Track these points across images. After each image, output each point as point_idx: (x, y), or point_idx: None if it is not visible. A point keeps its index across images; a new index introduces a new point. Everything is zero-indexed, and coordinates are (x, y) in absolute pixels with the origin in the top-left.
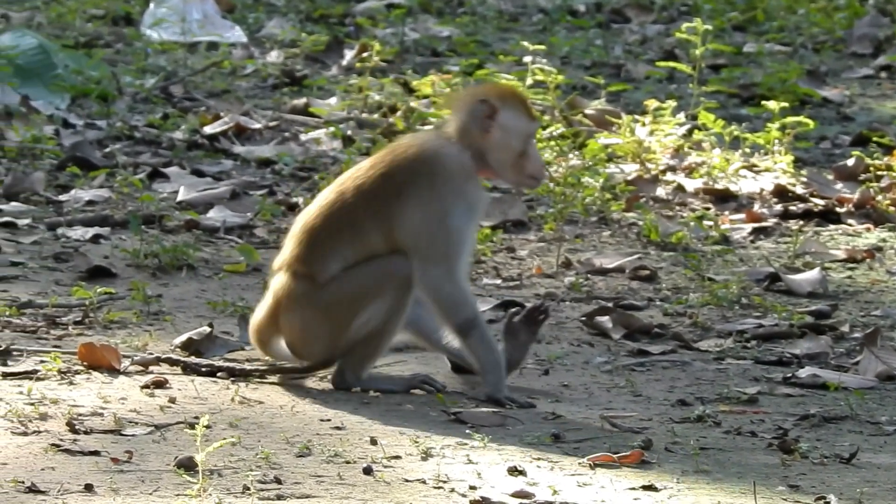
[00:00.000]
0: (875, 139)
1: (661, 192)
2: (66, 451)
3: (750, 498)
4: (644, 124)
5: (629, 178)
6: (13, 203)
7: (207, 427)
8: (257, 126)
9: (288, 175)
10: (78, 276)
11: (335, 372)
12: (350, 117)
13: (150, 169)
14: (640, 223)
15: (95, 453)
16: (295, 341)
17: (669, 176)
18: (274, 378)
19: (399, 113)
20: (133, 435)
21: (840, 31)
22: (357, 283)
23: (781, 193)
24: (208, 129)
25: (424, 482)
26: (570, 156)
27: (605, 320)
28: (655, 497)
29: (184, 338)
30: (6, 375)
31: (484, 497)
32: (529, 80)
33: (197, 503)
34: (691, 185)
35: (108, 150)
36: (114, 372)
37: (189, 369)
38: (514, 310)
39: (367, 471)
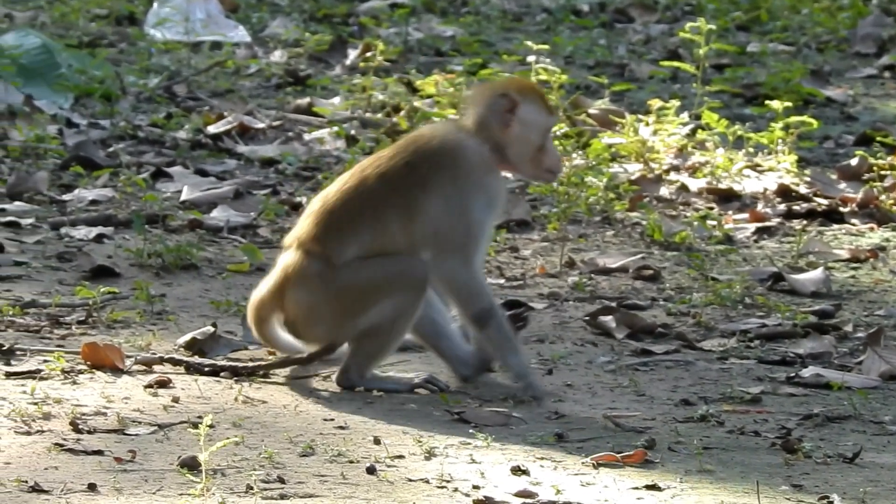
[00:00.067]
0: (878, 139)
1: (664, 191)
2: (70, 450)
3: (753, 497)
4: (647, 124)
5: (633, 177)
6: (17, 202)
7: (211, 426)
8: (261, 126)
9: (291, 175)
10: (81, 276)
11: (340, 370)
12: (353, 117)
13: (154, 168)
14: (644, 223)
15: (99, 453)
16: (298, 320)
17: (673, 175)
18: (278, 378)
19: (402, 113)
20: (136, 434)
21: (844, 30)
22: (371, 275)
23: (785, 193)
24: (212, 129)
25: (428, 482)
26: (574, 155)
27: (608, 320)
28: (659, 496)
29: (187, 337)
30: (10, 375)
31: (487, 496)
32: (533, 80)
33: (200, 503)
34: (695, 184)
35: (111, 149)
36: (117, 371)
37: (192, 369)
38: None
39: (371, 470)
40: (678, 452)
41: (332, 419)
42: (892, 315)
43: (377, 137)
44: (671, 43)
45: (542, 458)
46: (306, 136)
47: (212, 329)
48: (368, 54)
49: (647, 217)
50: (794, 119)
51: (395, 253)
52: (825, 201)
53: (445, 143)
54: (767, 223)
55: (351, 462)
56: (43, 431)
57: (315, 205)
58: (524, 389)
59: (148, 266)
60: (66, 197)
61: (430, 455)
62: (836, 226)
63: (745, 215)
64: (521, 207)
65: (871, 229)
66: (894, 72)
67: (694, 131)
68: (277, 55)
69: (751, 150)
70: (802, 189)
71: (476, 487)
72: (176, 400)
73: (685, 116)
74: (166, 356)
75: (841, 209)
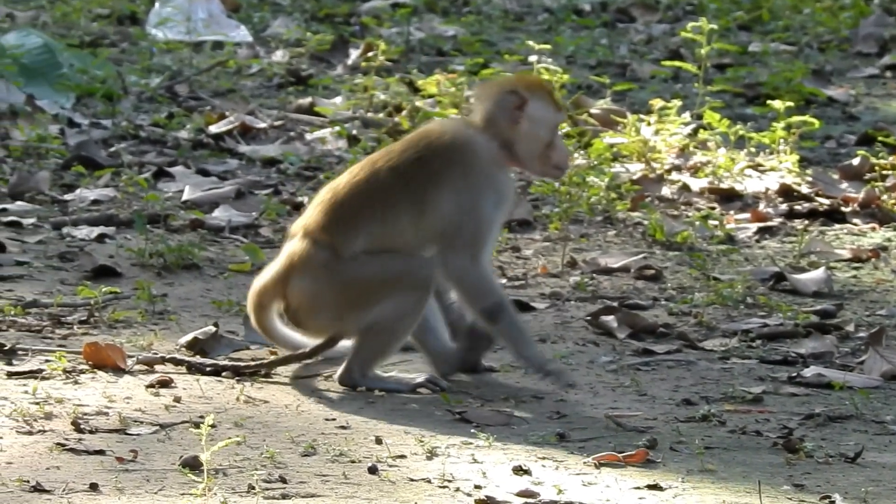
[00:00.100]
0: (880, 138)
1: (666, 191)
2: (72, 450)
3: (755, 497)
4: (649, 124)
5: (634, 177)
6: (18, 202)
7: (212, 426)
8: (262, 125)
9: (293, 174)
10: (83, 276)
11: (342, 369)
12: (355, 117)
13: (156, 168)
14: (646, 222)
15: (100, 452)
16: (301, 308)
17: (675, 175)
18: (279, 378)
19: (404, 112)
20: (138, 434)
21: (845, 30)
22: (377, 271)
23: (787, 193)
24: (213, 129)
25: (429, 481)
26: (576, 155)
27: (610, 320)
28: (660, 496)
29: (189, 337)
30: (11, 375)
31: (489, 496)
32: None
33: (202, 502)
34: (696, 184)
35: (113, 149)
36: (119, 371)
37: (194, 369)
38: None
39: (373, 470)
40: (680, 452)
41: (334, 419)
42: (893, 315)
43: (379, 137)
44: (673, 43)
45: (544, 458)
46: (308, 136)
47: (213, 329)
48: (370, 54)
49: (648, 217)
50: (795, 119)
51: (403, 247)
52: (827, 201)
53: (456, 139)
54: (769, 223)
55: (353, 462)
56: (44, 431)
57: (325, 195)
58: (549, 380)
59: (149, 266)
60: (67, 197)
61: (431, 455)
62: (837, 225)
63: (747, 215)
64: (523, 207)
65: (873, 229)
66: None
67: (696, 131)
68: (279, 55)
69: (752, 149)
70: (804, 189)
71: (478, 487)
72: (177, 400)
73: (687, 116)
74: (168, 356)
75: (843, 209)
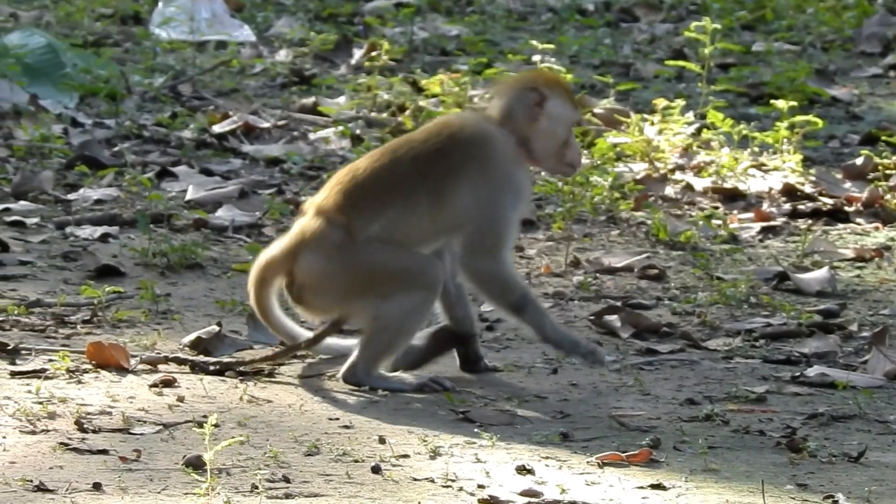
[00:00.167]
0: (884, 138)
1: (669, 191)
2: (75, 449)
3: (758, 497)
4: (653, 123)
5: (638, 177)
6: (22, 202)
7: (216, 426)
8: (266, 125)
9: (297, 174)
10: (86, 275)
11: (346, 367)
12: (359, 116)
13: (159, 168)
14: (649, 222)
15: (104, 452)
16: (307, 284)
17: (678, 175)
18: (283, 377)
19: (408, 112)
20: (141, 434)
21: (849, 29)
22: (388, 261)
23: (790, 192)
24: (217, 128)
25: (433, 481)
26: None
27: (613, 319)
28: (664, 496)
29: (192, 337)
30: (15, 374)
31: (492, 496)
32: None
33: (205, 502)
34: (700, 184)
35: (116, 148)
36: (122, 371)
37: (197, 368)
38: (446, 326)
39: (376, 469)
40: (683, 452)
41: (337, 418)
42: None
43: (382, 137)
44: (676, 42)
45: (548, 458)
46: (311, 136)
47: (217, 328)
48: (373, 54)
49: (652, 216)
50: (799, 118)
51: (418, 236)
52: (830, 201)
53: (477, 134)
54: (772, 222)
55: (356, 461)
56: (48, 431)
57: (343, 176)
58: (582, 359)
59: (153, 265)
60: (71, 196)
61: (435, 454)
62: (841, 225)
63: (751, 215)
64: (527, 206)
65: (877, 228)
66: None
67: (699, 131)
68: (282, 54)
69: (756, 149)
70: (808, 188)
71: (481, 487)
72: (181, 399)
73: (690, 116)
74: (171, 355)
75: (846, 208)
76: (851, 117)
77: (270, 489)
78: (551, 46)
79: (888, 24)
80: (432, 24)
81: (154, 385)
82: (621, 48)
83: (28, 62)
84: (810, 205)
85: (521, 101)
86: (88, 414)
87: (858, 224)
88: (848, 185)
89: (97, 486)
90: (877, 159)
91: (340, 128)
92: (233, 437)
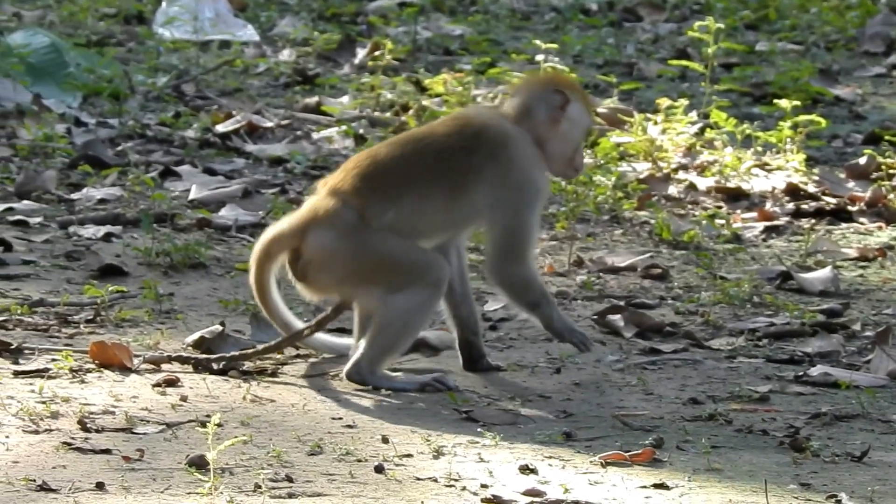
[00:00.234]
0: (887, 138)
1: (673, 190)
2: (78, 449)
3: (761, 496)
4: (656, 123)
5: (641, 176)
6: (25, 201)
7: (219, 425)
8: (269, 124)
9: (300, 173)
10: (89, 275)
11: (351, 364)
12: (362, 116)
13: (162, 167)
14: (652, 222)
15: (107, 451)
16: (313, 261)
17: (681, 174)
18: (286, 377)
19: (411, 111)
20: (144, 433)
21: (852, 29)
22: (397, 252)
23: (793, 192)
24: (220, 128)
25: (436, 480)
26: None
27: (616, 319)
28: (667, 495)
29: (196, 336)
30: (18, 374)
31: (495, 495)
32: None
33: (208, 501)
34: (703, 183)
35: (119, 148)
36: (125, 370)
37: (200, 367)
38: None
39: (379, 469)
40: (686, 451)
41: (341, 418)
42: None
43: (385, 136)
44: (680, 42)
45: (551, 457)
46: (315, 135)
47: (220, 328)
48: (377, 53)
49: (655, 216)
50: (802, 118)
51: (431, 228)
52: (833, 200)
53: (501, 134)
54: (776, 222)
55: (359, 461)
56: (51, 430)
57: (362, 160)
58: (574, 341)
59: (156, 265)
60: (74, 196)
61: (438, 454)
62: (844, 225)
63: (754, 214)
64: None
65: (880, 228)
66: None
67: (702, 130)
68: (286, 54)
69: (759, 148)
70: (811, 188)
71: (484, 486)
72: (184, 399)
73: (693, 115)
74: (174, 355)
75: (849, 208)
76: (855, 117)
77: (273, 489)
78: (555, 46)
79: (892, 23)
80: (436, 24)
81: (157, 384)
82: (625, 48)
83: (31, 62)
84: (813, 204)
85: (544, 102)
86: (91, 413)
87: (862, 223)
88: (851, 184)
89: (100, 486)
90: (880, 159)
91: (344, 127)
92: (236, 437)
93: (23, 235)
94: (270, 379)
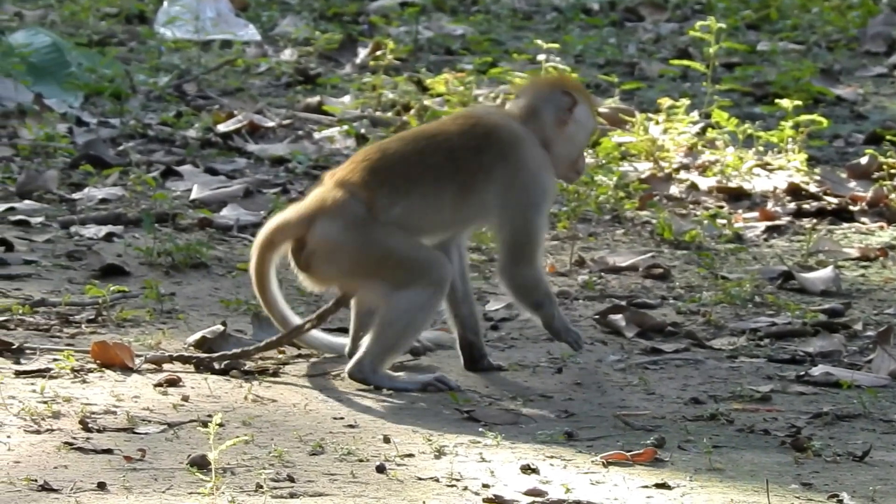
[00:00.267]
0: (888, 137)
1: (674, 190)
2: (79, 449)
3: (763, 496)
4: (658, 122)
5: (643, 176)
6: (26, 201)
7: (220, 425)
8: (271, 124)
9: (301, 173)
10: (91, 275)
11: (353, 362)
12: (364, 115)
13: (164, 167)
14: (654, 221)
15: (108, 451)
16: (317, 251)
17: (683, 174)
18: (287, 377)
19: (413, 111)
20: (146, 433)
21: (854, 29)
22: (402, 248)
23: (795, 192)
24: (222, 128)
25: (437, 480)
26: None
27: (618, 318)
28: (668, 495)
29: (197, 336)
30: (19, 374)
31: (497, 495)
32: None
33: (210, 501)
34: (705, 183)
35: (121, 148)
36: (127, 370)
37: (202, 367)
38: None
39: (381, 469)
40: (688, 451)
41: (342, 418)
42: None
43: (387, 136)
44: (681, 42)
45: (552, 457)
46: (316, 135)
47: (221, 328)
48: (378, 53)
49: (657, 216)
50: (804, 118)
51: (437, 225)
52: (835, 200)
53: (511, 136)
54: (777, 222)
55: (361, 461)
56: (52, 430)
57: (372, 153)
58: (568, 340)
59: (158, 265)
60: (75, 195)
61: (439, 454)
62: (845, 224)
63: (755, 214)
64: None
65: (881, 228)
66: None
67: (704, 130)
68: (287, 54)
69: (761, 148)
70: (812, 188)
71: (486, 486)
72: (186, 398)
73: (695, 115)
74: (176, 354)
75: (851, 208)
76: (856, 116)
77: (275, 488)
78: (556, 46)
79: (893, 23)
80: (437, 24)
81: (159, 384)
82: (626, 47)
83: (33, 61)
84: (815, 204)
85: (554, 104)
86: (93, 413)
87: (863, 223)
88: (853, 184)
89: (102, 486)
90: (881, 158)
91: (345, 127)
92: (237, 437)
93: (24, 235)
94: (272, 379)
